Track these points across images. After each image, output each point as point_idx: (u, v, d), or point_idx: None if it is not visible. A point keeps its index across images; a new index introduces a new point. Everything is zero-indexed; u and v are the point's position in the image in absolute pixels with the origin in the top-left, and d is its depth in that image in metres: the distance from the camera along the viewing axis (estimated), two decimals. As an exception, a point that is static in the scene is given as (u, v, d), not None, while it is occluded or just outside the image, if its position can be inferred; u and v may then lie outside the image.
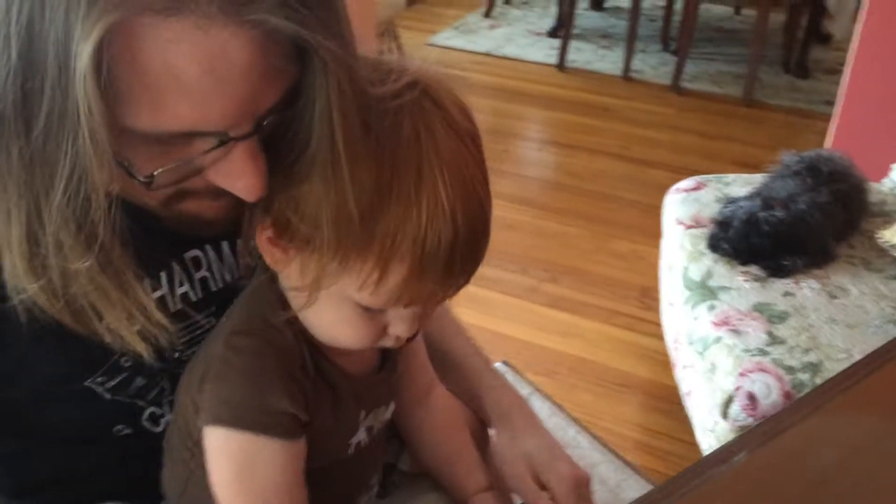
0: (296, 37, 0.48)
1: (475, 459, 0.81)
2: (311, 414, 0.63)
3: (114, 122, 0.46)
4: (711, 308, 1.49)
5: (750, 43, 3.38)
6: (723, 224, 1.61)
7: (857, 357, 1.15)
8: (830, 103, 2.42)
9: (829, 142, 2.32)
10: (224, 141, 0.51)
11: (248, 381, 0.60)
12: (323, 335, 0.63)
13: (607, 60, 3.75)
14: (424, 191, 0.53)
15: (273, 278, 0.64)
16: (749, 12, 4.03)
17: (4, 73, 0.44)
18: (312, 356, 0.64)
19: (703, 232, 1.67)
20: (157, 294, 0.67)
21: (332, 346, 0.65)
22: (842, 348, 1.37)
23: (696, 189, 1.85)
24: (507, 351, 1.83)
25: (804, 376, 1.32)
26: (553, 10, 4.19)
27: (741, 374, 1.34)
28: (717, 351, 1.41)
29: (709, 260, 1.60)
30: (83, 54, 0.43)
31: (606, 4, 4.42)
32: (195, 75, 0.47)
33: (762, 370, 1.34)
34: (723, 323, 1.45)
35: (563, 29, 3.68)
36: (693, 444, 1.50)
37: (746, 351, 1.38)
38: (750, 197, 1.63)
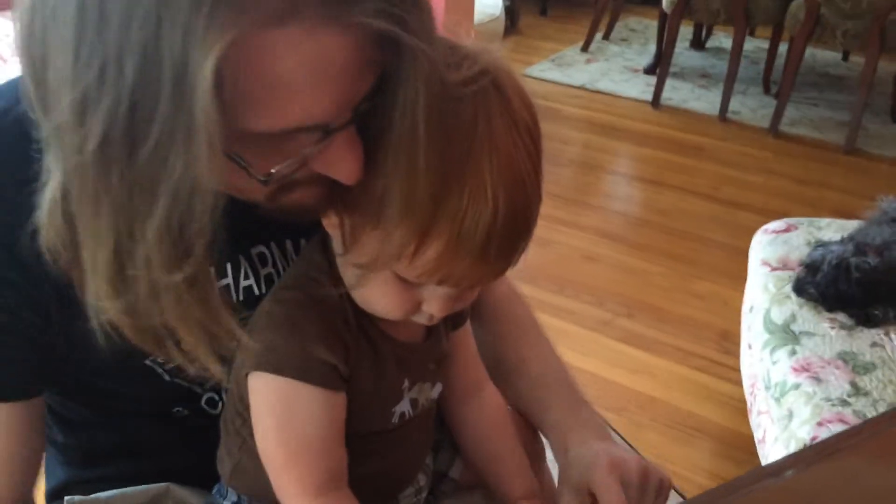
0: (391, 35, 0.50)
1: (523, 463, 0.79)
2: (351, 370, 0.64)
3: (230, 128, 0.47)
4: (792, 353, 1.43)
5: (856, 90, 3.26)
6: (811, 267, 1.55)
7: (948, 415, 1.08)
8: (939, 155, 2.30)
9: (934, 194, 2.21)
10: (327, 132, 0.53)
11: (290, 329, 0.62)
12: (360, 299, 0.65)
13: (704, 100, 3.68)
14: (470, 172, 0.55)
15: (324, 242, 0.66)
16: (857, 59, 3.90)
17: (117, 96, 0.45)
18: (356, 314, 0.65)
19: (790, 275, 1.60)
20: (222, 283, 0.69)
21: None
22: (931, 407, 1.28)
23: (786, 231, 1.78)
24: (575, 381, 1.79)
25: (888, 432, 1.24)
26: (651, 48, 4.16)
27: (819, 424, 1.28)
28: (794, 398, 1.35)
29: (793, 304, 1.54)
30: (204, 71, 0.44)
31: (708, 44, 4.36)
32: (303, 77, 0.49)
33: (841, 421, 1.27)
34: (803, 369, 1.39)
35: (660, 66, 3.64)
36: (763, 495, 1.43)
37: (826, 400, 1.31)
38: (842, 242, 1.56)
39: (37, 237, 0.55)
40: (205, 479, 0.78)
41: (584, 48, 4.27)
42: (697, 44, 4.31)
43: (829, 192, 2.94)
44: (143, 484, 0.77)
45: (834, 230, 1.74)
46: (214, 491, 0.74)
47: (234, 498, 0.72)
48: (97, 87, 0.45)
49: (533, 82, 3.76)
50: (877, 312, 1.45)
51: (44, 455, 0.76)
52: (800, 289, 1.55)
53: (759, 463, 1.46)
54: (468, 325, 0.79)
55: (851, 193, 2.88)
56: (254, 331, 0.64)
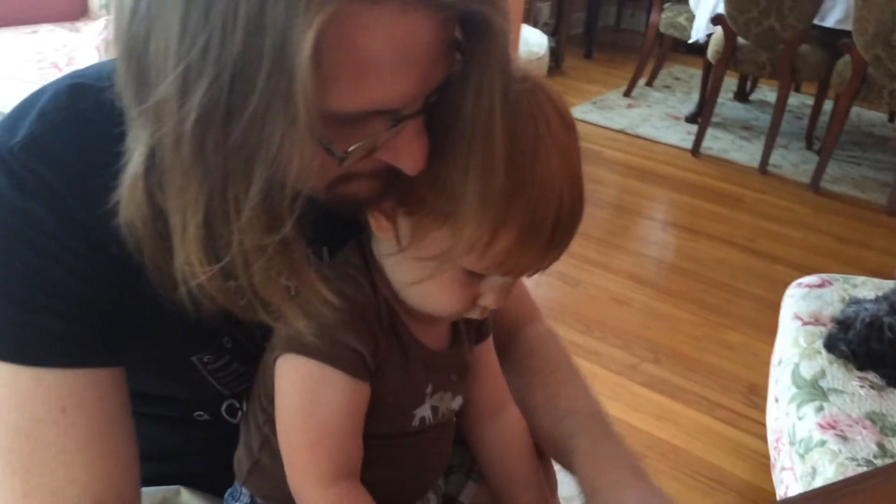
0: (478, 17, 0.51)
1: (542, 486, 0.79)
2: (378, 365, 0.65)
3: (321, 105, 0.49)
4: (820, 409, 1.40)
5: (901, 151, 3.23)
6: (844, 324, 1.52)
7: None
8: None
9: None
10: (399, 119, 0.54)
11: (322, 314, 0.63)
12: (415, 299, 0.66)
13: (745, 151, 3.67)
14: (539, 166, 0.58)
15: (361, 245, 0.68)
16: (905, 121, 3.86)
17: (219, 69, 0.47)
18: (389, 314, 0.67)
19: (822, 330, 1.58)
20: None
21: (411, 313, 0.68)
22: (963, 475, 1.25)
23: (820, 286, 1.76)
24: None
25: (915, 498, 1.21)
26: (694, 97, 4.16)
27: (843, 484, 1.24)
28: (819, 455, 1.32)
29: (823, 359, 1.51)
30: (304, 44, 0.45)
31: (752, 97, 4.35)
32: (390, 56, 0.50)
33: (867, 482, 1.23)
34: (830, 426, 1.36)
35: (702, 115, 3.64)
36: (782, 553, 1.40)
37: (852, 459, 1.28)
38: (876, 300, 1.54)
39: (111, 219, 0.58)
40: (216, 486, 0.79)
41: (627, 93, 4.28)
42: (741, 96, 4.31)
43: (867, 252, 2.90)
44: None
45: (869, 289, 1.71)
46: (227, 494, 0.75)
47: (247, 500, 0.73)
48: (201, 60, 0.47)
49: (574, 123, 3.77)
50: (909, 374, 1.42)
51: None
52: (831, 345, 1.52)
53: (780, 520, 1.43)
54: (490, 342, 0.80)
55: (891, 254, 2.84)
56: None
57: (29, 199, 0.59)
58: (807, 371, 1.50)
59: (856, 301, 1.58)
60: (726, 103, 4.19)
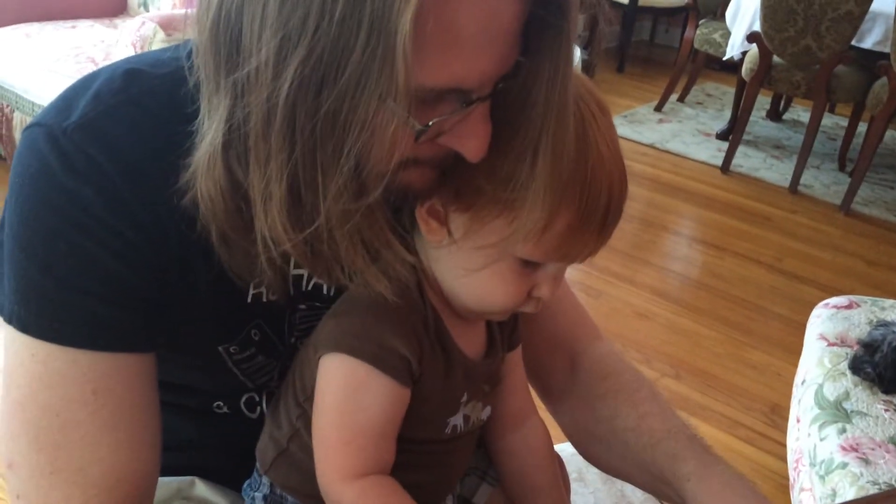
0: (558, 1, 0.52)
1: (562, 498, 0.79)
2: (422, 371, 0.65)
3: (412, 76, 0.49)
4: (842, 431, 1.38)
5: (936, 176, 3.18)
6: (870, 347, 1.50)
7: None
8: None
9: None
10: (470, 101, 0.54)
11: (372, 316, 0.63)
12: (468, 295, 0.66)
13: (775, 170, 3.63)
14: (590, 148, 0.59)
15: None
16: (940, 146, 3.80)
17: (317, 38, 0.47)
18: (435, 320, 0.67)
19: (847, 352, 1.55)
20: (296, 272, 0.69)
21: (455, 319, 0.68)
22: None
23: (847, 307, 1.73)
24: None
25: (937, 525, 1.18)
26: (726, 114, 4.13)
27: (864, 507, 1.22)
28: (840, 477, 1.30)
29: (848, 381, 1.49)
30: (406, 16, 0.46)
31: (785, 116, 4.31)
32: (476, 32, 0.50)
33: (888, 507, 1.21)
34: (852, 449, 1.33)
35: (734, 133, 3.61)
36: (798, 576, 1.38)
37: (873, 483, 1.25)
38: (905, 324, 1.51)
39: (160, 203, 0.59)
40: (230, 479, 0.80)
41: (658, 108, 4.26)
42: (774, 115, 4.27)
43: (897, 277, 2.86)
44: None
45: (898, 312, 1.69)
46: (245, 485, 0.75)
47: (266, 490, 0.72)
48: (300, 28, 0.48)
49: (603, 136, 3.76)
50: (935, 399, 1.39)
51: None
52: (856, 367, 1.50)
53: (797, 543, 1.40)
54: (519, 352, 0.79)
55: (921, 279, 2.80)
56: (338, 314, 0.65)
57: (79, 181, 0.59)
58: (830, 392, 1.48)
59: (883, 324, 1.55)
60: (758, 121, 4.16)
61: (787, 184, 3.47)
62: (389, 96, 0.48)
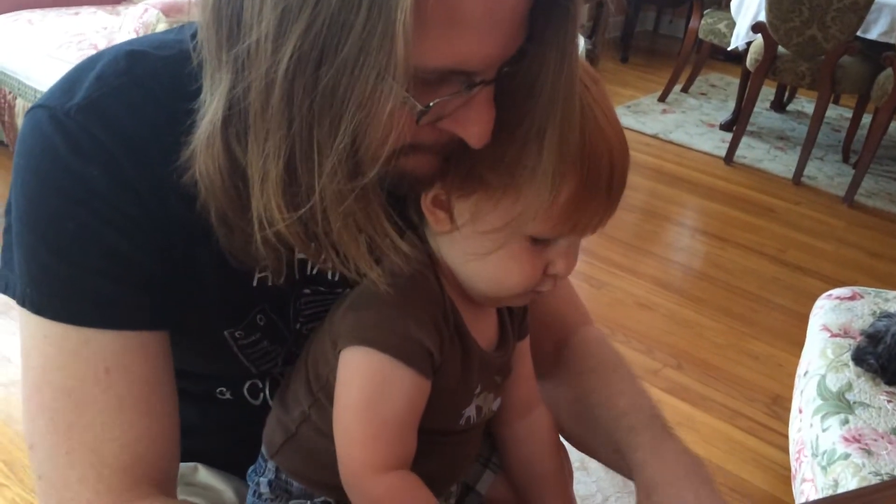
0: None
1: (566, 486, 0.79)
2: (442, 362, 0.65)
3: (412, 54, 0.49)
4: (844, 422, 1.38)
5: (940, 168, 3.17)
6: (873, 338, 1.50)
7: None
8: None
9: None
10: (473, 84, 0.54)
11: (395, 308, 0.63)
12: (487, 282, 0.65)
13: (779, 162, 3.62)
14: (586, 117, 0.59)
15: (421, 240, 0.67)
16: (945, 138, 3.79)
17: (317, 11, 0.47)
18: (453, 311, 0.66)
19: (850, 343, 1.55)
20: (301, 255, 0.68)
21: (471, 309, 0.68)
22: None
23: (851, 298, 1.73)
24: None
25: (939, 516, 1.18)
26: (730, 105, 4.12)
27: (865, 498, 1.22)
28: (842, 468, 1.30)
29: (851, 372, 1.49)
30: None
31: (789, 107, 4.30)
32: (481, 13, 0.50)
33: (890, 498, 1.21)
34: (854, 440, 1.33)
35: (738, 123, 3.60)
36: (799, 566, 1.38)
37: (875, 474, 1.25)
38: (909, 315, 1.51)
39: (166, 182, 0.59)
40: (233, 465, 0.80)
41: (662, 98, 4.25)
42: (778, 106, 4.25)
43: (900, 268, 2.86)
44: None
45: (901, 303, 1.68)
46: (250, 471, 0.75)
47: (272, 475, 0.72)
48: (300, 1, 0.47)
49: (606, 126, 3.75)
50: (938, 391, 1.39)
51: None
52: (859, 358, 1.50)
53: (798, 533, 1.41)
54: (528, 341, 0.79)
55: (924, 272, 2.79)
56: (359, 308, 0.65)
57: (85, 162, 0.60)
58: (833, 383, 1.48)
59: (887, 315, 1.55)
60: (762, 112, 4.15)
61: (790, 175, 3.46)
62: (388, 74, 0.47)
